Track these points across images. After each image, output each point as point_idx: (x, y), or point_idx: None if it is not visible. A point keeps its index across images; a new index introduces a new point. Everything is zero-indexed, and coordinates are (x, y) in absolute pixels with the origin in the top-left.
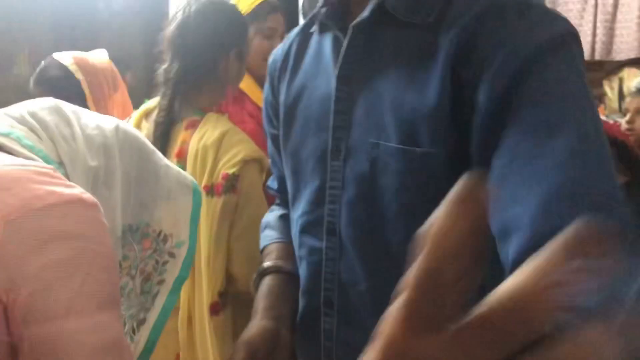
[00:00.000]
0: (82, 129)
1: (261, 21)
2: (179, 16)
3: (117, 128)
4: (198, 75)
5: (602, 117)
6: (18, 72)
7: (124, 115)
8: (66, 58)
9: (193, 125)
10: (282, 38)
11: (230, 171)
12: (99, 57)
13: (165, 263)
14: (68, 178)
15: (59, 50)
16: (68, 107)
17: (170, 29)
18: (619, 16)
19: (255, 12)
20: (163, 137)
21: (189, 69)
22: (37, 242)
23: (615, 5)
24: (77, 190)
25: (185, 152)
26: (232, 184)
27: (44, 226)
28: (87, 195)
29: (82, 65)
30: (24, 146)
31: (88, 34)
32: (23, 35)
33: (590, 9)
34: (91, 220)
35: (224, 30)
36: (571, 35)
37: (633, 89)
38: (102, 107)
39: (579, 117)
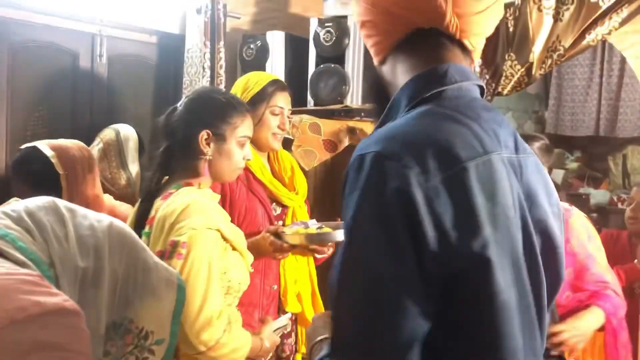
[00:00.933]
0: (75, 228)
1: (270, 99)
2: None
3: (110, 227)
4: (176, 153)
5: (607, 192)
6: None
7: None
8: (47, 149)
9: (166, 197)
10: (290, 117)
11: (176, 238)
12: (77, 144)
13: None
14: (57, 278)
15: (77, 111)
16: (64, 206)
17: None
18: (623, 95)
19: (264, 91)
20: (144, 210)
21: (170, 147)
22: (18, 354)
23: (620, 85)
24: (59, 299)
25: (154, 220)
26: (175, 250)
27: (24, 338)
28: (69, 303)
29: (63, 158)
30: (18, 248)
31: (103, 99)
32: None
33: (595, 86)
34: (72, 329)
35: (196, 112)
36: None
37: (638, 180)
38: (74, 198)
39: None
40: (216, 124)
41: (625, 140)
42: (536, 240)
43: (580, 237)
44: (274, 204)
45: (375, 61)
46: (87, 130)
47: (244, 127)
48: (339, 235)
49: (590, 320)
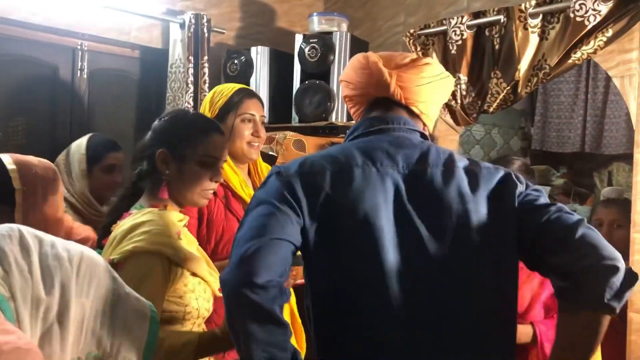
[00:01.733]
0: (41, 259)
1: (238, 107)
2: None
3: (80, 258)
4: (143, 174)
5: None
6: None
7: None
8: (9, 162)
9: (124, 217)
10: (264, 123)
11: (112, 257)
12: (44, 164)
13: None
14: (17, 312)
15: (56, 125)
16: (31, 234)
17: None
18: (608, 112)
19: (231, 100)
20: (105, 230)
21: (140, 169)
22: None
23: (605, 102)
24: (13, 338)
25: (107, 240)
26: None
27: None
28: (25, 342)
29: (23, 174)
30: None
31: (84, 114)
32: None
33: (580, 103)
34: None
35: (158, 132)
36: None
37: (602, 199)
38: (28, 216)
39: None
40: (175, 142)
41: (611, 157)
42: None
43: None
44: None
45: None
46: (66, 146)
47: (206, 145)
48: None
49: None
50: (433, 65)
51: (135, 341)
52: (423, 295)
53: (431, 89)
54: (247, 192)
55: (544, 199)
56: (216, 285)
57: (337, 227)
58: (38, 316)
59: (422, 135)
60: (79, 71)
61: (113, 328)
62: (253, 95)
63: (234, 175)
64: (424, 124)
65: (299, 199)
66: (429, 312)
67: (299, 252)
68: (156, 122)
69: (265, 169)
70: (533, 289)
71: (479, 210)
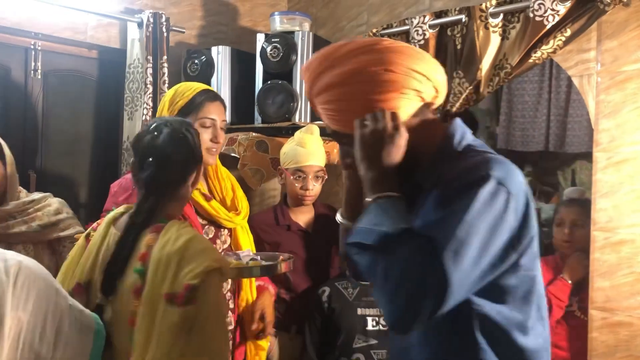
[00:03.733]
0: None
1: (199, 111)
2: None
3: (18, 269)
4: (169, 184)
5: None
6: None
7: None
8: None
9: (157, 230)
10: (223, 128)
11: (192, 282)
12: None
13: None
14: None
15: (9, 128)
16: None
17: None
18: (571, 111)
19: (192, 102)
20: (132, 242)
21: (162, 178)
22: None
23: (567, 101)
24: None
25: (148, 257)
26: (193, 295)
27: None
28: None
29: None
30: None
31: (38, 118)
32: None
33: (544, 102)
34: None
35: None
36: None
37: (565, 198)
38: None
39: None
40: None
41: (574, 155)
42: None
43: None
44: (208, 226)
45: None
46: (21, 150)
47: None
48: (260, 271)
49: None
50: None
51: (78, 355)
52: None
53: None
54: (201, 193)
55: None
56: None
57: None
58: None
59: None
60: (32, 72)
61: (54, 342)
62: (216, 98)
63: None
64: None
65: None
66: None
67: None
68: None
69: (223, 172)
70: None
71: None
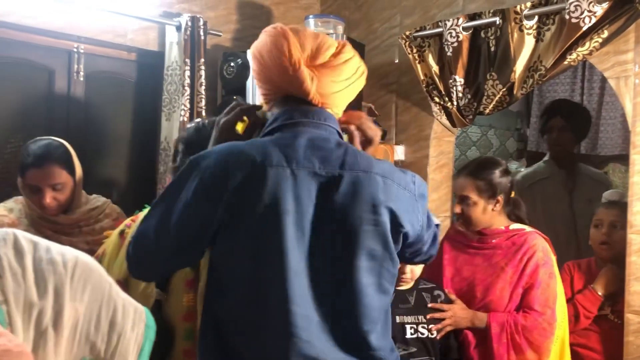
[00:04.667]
0: (35, 263)
1: None
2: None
3: (75, 263)
4: None
5: None
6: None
7: None
8: None
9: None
10: None
11: None
12: None
13: None
14: (9, 316)
15: (54, 129)
16: (26, 238)
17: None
18: (604, 113)
19: None
20: None
21: None
22: None
23: (600, 103)
24: (2, 340)
25: None
26: None
27: None
28: (15, 344)
29: None
30: None
31: (81, 118)
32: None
33: None
34: None
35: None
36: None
37: (604, 200)
38: None
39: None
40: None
41: (607, 158)
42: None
43: (533, 262)
44: None
45: (264, 105)
46: None
47: None
48: None
49: (472, 319)
50: (352, 60)
51: (130, 347)
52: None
53: (348, 93)
54: None
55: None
56: None
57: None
58: (31, 320)
59: (339, 134)
60: (75, 74)
61: (108, 333)
62: None
63: None
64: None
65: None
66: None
67: None
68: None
69: None
70: (506, 279)
71: (384, 220)
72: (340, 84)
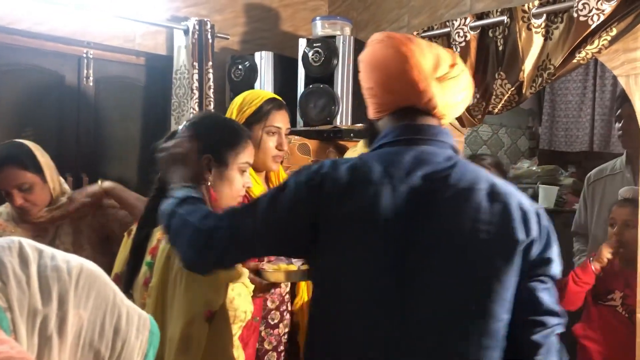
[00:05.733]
0: (39, 270)
1: (266, 119)
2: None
3: (80, 270)
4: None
5: None
6: None
7: None
8: None
9: None
10: (287, 134)
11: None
12: None
13: None
14: (13, 324)
15: (64, 133)
16: (30, 245)
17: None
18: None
19: (260, 111)
20: (144, 238)
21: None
22: None
23: (613, 100)
24: (5, 347)
25: (157, 250)
26: None
27: None
28: (17, 351)
29: None
30: None
31: (90, 122)
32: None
33: (588, 102)
34: None
35: (199, 137)
36: None
37: (619, 198)
38: None
39: None
40: (219, 149)
41: (619, 155)
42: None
43: None
44: None
45: (372, 115)
46: (74, 153)
47: (245, 153)
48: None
49: None
50: (466, 71)
51: (134, 353)
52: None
53: (463, 105)
54: None
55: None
56: (252, 288)
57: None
58: (35, 327)
59: (453, 149)
60: (84, 79)
61: (112, 340)
62: (281, 106)
63: (257, 184)
64: None
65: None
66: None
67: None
68: (193, 127)
69: (284, 175)
70: None
71: (488, 244)
72: (459, 95)
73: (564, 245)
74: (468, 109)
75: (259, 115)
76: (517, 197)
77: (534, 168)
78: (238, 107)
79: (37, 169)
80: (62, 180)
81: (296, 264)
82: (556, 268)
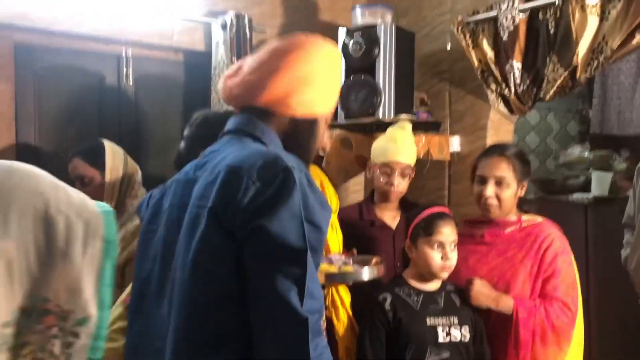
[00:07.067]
0: None
1: None
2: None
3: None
4: None
5: None
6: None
7: None
8: None
9: None
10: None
11: None
12: None
13: (69, 345)
14: None
15: (106, 133)
16: None
17: None
18: None
19: None
20: None
21: None
22: None
23: None
24: None
25: None
26: None
27: None
28: None
29: None
30: None
31: (131, 120)
32: (71, 119)
33: None
34: None
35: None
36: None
37: None
38: None
39: None
40: None
41: None
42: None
43: (552, 251)
44: None
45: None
46: None
47: None
48: (363, 274)
49: (497, 299)
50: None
51: (83, 273)
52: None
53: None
54: None
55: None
56: None
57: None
58: None
59: (256, 139)
60: (124, 78)
61: (48, 264)
62: None
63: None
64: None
65: None
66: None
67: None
68: (194, 130)
69: (314, 170)
70: (526, 270)
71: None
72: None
73: (618, 236)
74: (517, 96)
75: None
76: None
77: (586, 154)
78: None
79: (98, 166)
80: (138, 190)
81: (337, 264)
82: None
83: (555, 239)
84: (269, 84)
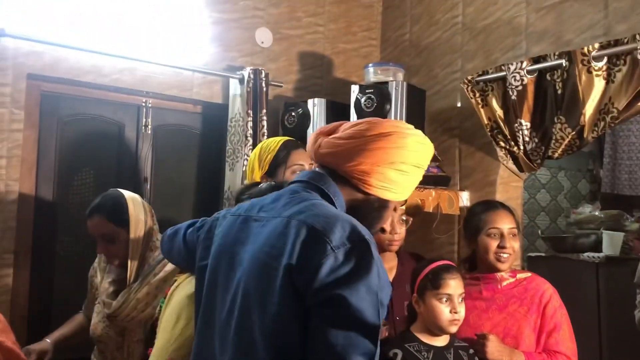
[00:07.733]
0: None
1: (287, 161)
2: None
3: None
4: None
5: None
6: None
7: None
8: None
9: None
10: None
11: None
12: None
13: None
14: None
15: (122, 179)
16: None
17: None
18: None
19: (278, 156)
20: None
21: None
22: None
23: None
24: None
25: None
26: None
27: None
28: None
29: None
30: None
31: (147, 167)
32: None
33: None
34: None
35: None
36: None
37: None
38: None
39: None
40: None
41: None
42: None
43: (551, 306)
44: None
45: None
46: None
47: None
48: None
49: (510, 354)
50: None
51: None
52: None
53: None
54: None
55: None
56: None
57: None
58: None
59: (324, 195)
60: (143, 127)
61: None
62: (298, 145)
63: None
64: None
65: None
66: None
67: None
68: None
69: None
70: (530, 324)
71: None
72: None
73: (629, 296)
74: (526, 154)
75: (280, 158)
76: None
77: (597, 213)
78: (257, 159)
79: (123, 223)
80: (157, 241)
81: None
82: None
83: (553, 294)
84: (358, 158)
